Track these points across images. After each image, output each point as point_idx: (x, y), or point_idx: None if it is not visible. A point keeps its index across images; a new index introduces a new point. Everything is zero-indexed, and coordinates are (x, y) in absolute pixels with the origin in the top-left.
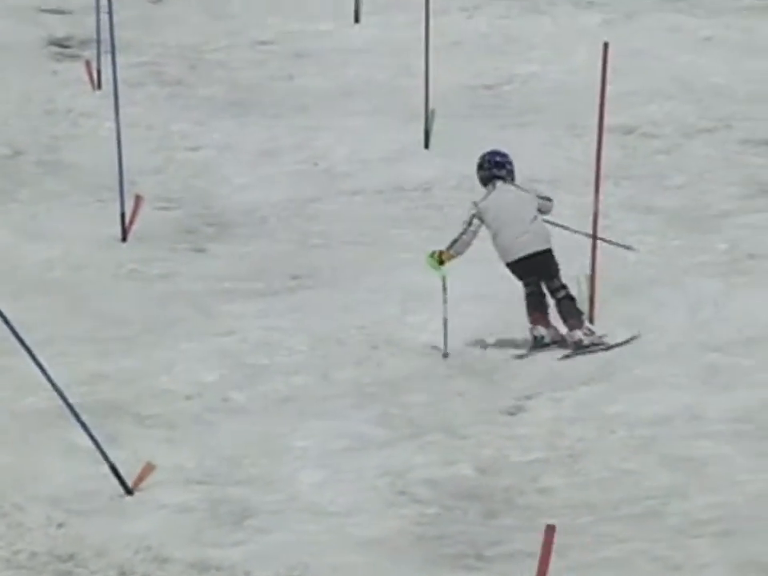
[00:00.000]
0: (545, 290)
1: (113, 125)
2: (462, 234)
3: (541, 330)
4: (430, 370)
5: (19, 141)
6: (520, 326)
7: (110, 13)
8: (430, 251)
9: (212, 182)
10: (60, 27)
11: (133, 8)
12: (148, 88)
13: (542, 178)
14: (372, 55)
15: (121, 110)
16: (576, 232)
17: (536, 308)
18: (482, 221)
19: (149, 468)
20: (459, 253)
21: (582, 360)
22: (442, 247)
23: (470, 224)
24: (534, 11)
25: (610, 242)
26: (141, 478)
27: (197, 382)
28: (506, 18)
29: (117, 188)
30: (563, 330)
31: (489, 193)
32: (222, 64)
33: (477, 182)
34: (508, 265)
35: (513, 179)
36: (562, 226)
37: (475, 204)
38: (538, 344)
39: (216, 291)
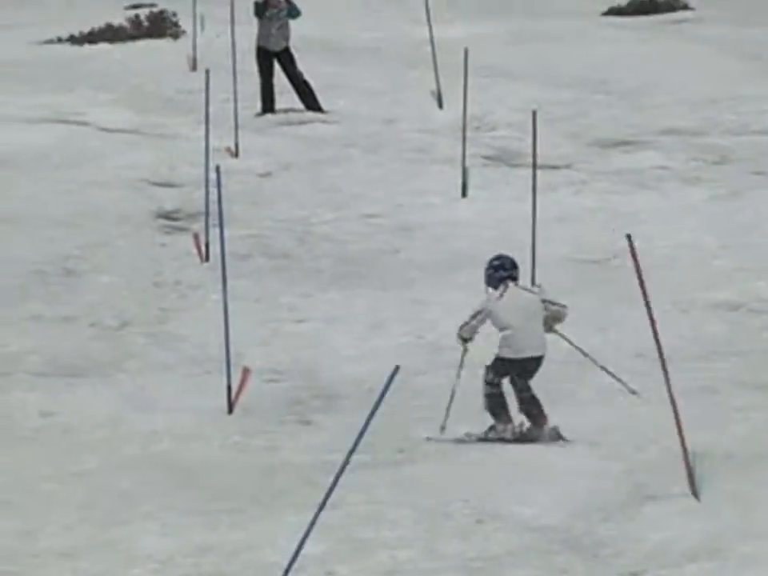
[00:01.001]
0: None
1: (219, 297)
2: (467, 324)
3: (509, 426)
4: (535, 545)
5: (127, 312)
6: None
7: (219, 187)
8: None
9: (319, 354)
10: (169, 200)
11: (241, 182)
12: (255, 260)
13: (647, 353)
14: (478, 229)
15: (228, 283)
16: (578, 348)
17: (500, 404)
18: (489, 317)
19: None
20: (469, 339)
21: (687, 534)
22: None
23: (473, 318)
24: (642, 186)
25: (612, 375)
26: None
27: (301, 554)
28: (613, 193)
29: (223, 360)
30: (526, 424)
31: (501, 295)
32: (328, 237)
33: (581, 355)
34: (508, 359)
35: (517, 277)
36: (566, 339)
37: (484, 307)
38: (492, 434)
39: (322, 463)
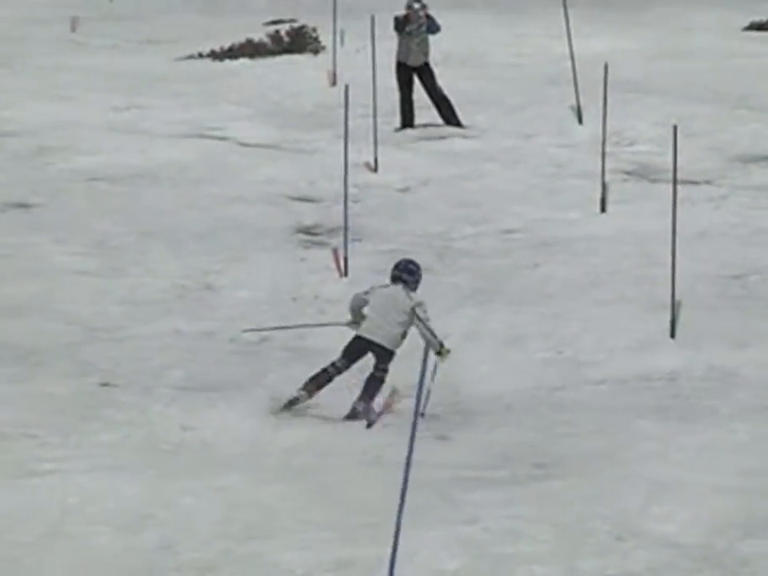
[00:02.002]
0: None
1: None
2: (357, 296)
3: (303, 395)
4: (675, 562)
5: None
6: None
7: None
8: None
9: (458, 369)
10: (309, 215)
11: (380, 196)
12: None
13: None
14: (618, 244)
15: None
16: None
17: (317, 380)
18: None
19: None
20: (352, 308)
21: None
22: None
23: (361, 294)
24: None
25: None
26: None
27: (439, 570)
28: (754, 208)
29: (360, 375)
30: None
31: (388, 285)
32: (467, 252)
33: (723, 373)
34: (352, 337)
35: (415, 288)
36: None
37: (372, 287)
38: (290, 403)
39: (460, 479)
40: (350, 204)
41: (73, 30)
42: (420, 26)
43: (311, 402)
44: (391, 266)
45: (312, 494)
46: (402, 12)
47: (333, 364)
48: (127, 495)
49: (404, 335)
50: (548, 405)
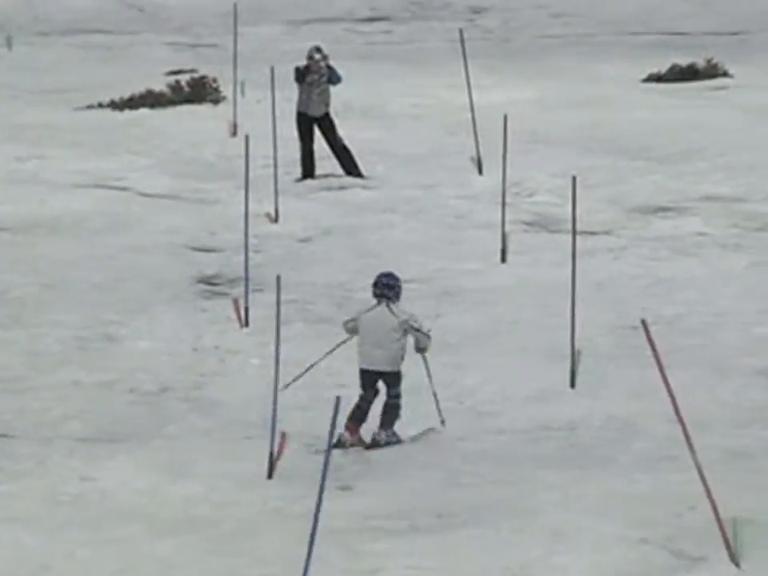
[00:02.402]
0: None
1: (259, 362)
2: (346, 324)
3: (345, 435)
4: None
5: (167, 377)
6: None
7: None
8: None
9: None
10: (209, 265)
11: (281, 246)
12: (296, 325)
13: (686, 419)
14: (518, 294)
15: (268, 347)
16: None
17: (354, 418)
18: (356, 328)
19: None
20: (349, 331)
21: None
22: None
23: (348, 322)
24: (682, 253)
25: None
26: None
27: None
28: (652, 259)
29: (263, 425)
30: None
31: (373, 308)
32: (368, 302)
33: (622, 422)
34: (360, 370)
35: (398, 299)
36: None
37: (358, 313)
38: (336, 446)
39: (362, 529)
40: (250, 254)
41: None
42: (321, 76)
43: (353, 438)
44: (301, 315)
45: (210, 545)
46: (302, 62)
47: (362, 398)
48: (26, 546)
49: (403, 349)
50: (450, 454)
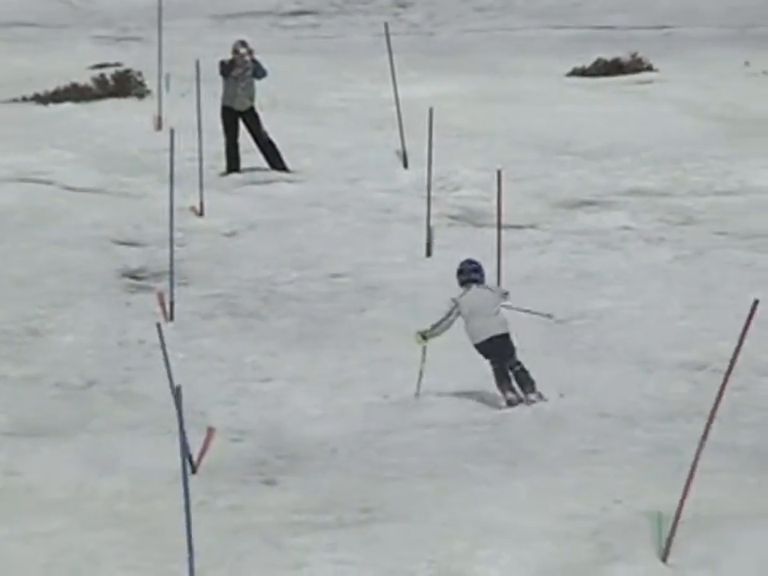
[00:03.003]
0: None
1: (185, 356)
2: (443, 320)
3: (511, 395)
4: None
5: (92, 371)
6: None
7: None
8: (418, 332)
9: (284, 413)
10: (134, 259)
11: (207, 241)
12: (220, 320)
13: (612, 413)
14: (443, 288)
15: (193, 341)
16: (535, 313)
17: (501, 379)
18: (458, 313)
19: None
20: (437, 335)
21: None
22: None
23: (449, 314)
24: (607, 246)
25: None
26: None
27: None
28: (578, 253)
29: (189, 420)
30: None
31: (465, 292)
32: (294, 296)
33: (549, 416)
34: (476, 346)
35: (483, 281)
36: (522, 310)
37: (454, 300)
38: (509, 404)
39: (286, 524)
40: (175, 248)
41: None
42: (246, 70)
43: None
44: (225, 309)
45: (137, 539)
46: (228, 56)
47: (495, 363)
48: None
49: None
50: (375, 448)
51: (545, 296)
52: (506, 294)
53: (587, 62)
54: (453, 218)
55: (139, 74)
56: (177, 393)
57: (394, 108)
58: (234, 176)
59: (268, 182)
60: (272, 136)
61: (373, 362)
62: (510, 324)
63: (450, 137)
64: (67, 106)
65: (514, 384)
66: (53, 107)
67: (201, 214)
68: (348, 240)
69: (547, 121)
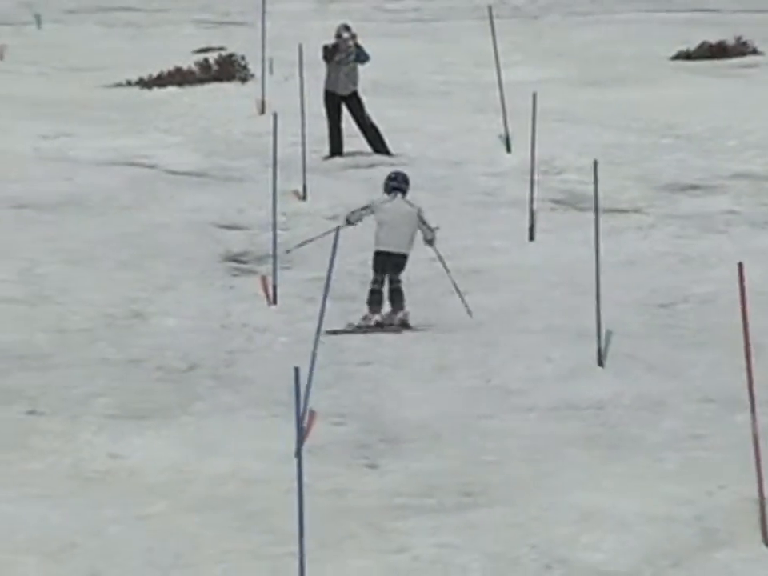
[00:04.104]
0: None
1: (287, 339)
2: (358, 211)
3: (369, 315)
4: None
5: (195, 355)
6: None
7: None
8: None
9: (385, 397)
10: (237, 243)
11: (309, 224)
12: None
13: (716, 397)
14: (546, 273)
15: (295, 325)
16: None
17: (374, 302)
18: (372, 212)
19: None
20: (351, 223)
21: None
22: None
23: (363, 209)
24: (711, 231)
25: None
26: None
27: None
28: (681, 237)
29: (290, 403)
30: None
31: (390, 200)
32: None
33: (651, 401)
34: (374, 252)
35: (406, 195)
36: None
37: (372, 202)
38: (362, 324)
39: (388, 507)
40: (278, 232)
41: (0, 57)
42: (349, 54)
43: (379, 316)
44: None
45: (237, 522)
46: (331, 41)
47: (375, 282)
48: (53, 524)
49: (413, 238)
50: (476, 433)
51: (648, 280)
52: (430, 229)
53: (692, 46)
54: (556, 201)
55: (242, 58)
56: (296, 375)
57: (497, 92)
58: (337, 160)
59: (371, 165)
60: (375, 120)
61: (474, 345)
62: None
63: (552, 121)
64: (170, 90)
65: (384, 310)
66: (156, 91)
67: (303, 197)
68: (450, 224)
69: (650, 104)
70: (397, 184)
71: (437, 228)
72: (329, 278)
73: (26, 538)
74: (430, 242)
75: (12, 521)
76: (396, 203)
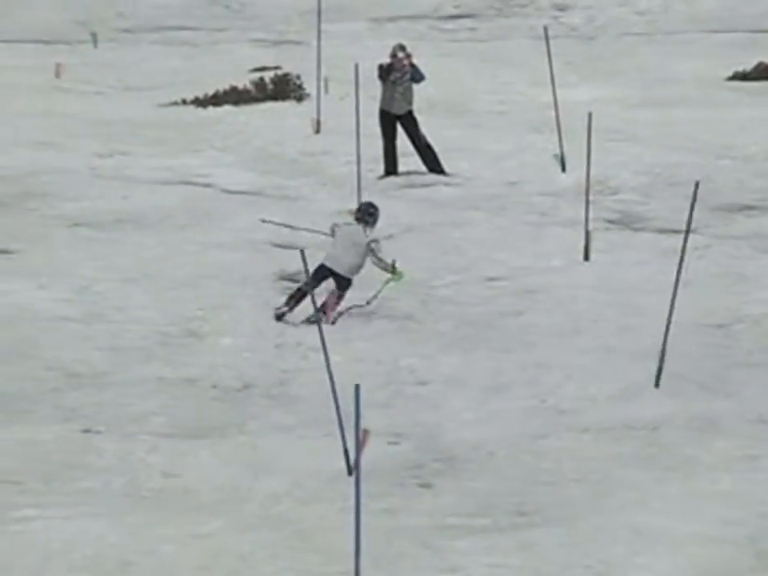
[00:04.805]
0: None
1: (341, 359)
2: (331, 229)
3: (284, 309)
4: None
5: (249, 374)
6: None
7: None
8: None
9: (440, 416)
10: (291, 262)
11: None
12: (377, 322)
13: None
14: (601, 293)
15: (350, 344)
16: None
17: (294, 298)
18: (332, 234)
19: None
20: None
21: None
22: None
23: (331, 232)
24: (766, 251)
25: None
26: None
27: None
28: (736, 257)
29: (346, 422)
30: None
31: (351, 224)
32: (450, 300)
33: (705, 422)
34: (320, 263)
35: (373, 226)
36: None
37: (335, 224)
38: (278, 318)
39: (442, 527)
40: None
41: (57, 76)
42: (404, 74)
43: (290, 313)
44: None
45: (293, 541)
46: (386, 60)
47: (306, 284)
48: (109, 542)
49: (361, 266)
50: (530, 453)
51: (702, 300)
52: (373, 244)
53: (748, 66)
54: (610, 222)
55: (298, 77)
56: (356, 392)
57: (552, 111)
58: (392, 179)
59: (426, 185)
60: (430, 139)
61: (528, 365)
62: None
63: (608, 140)
64: (226, 108)
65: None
66: (212, 110)
67: None
68: (505, 243)
69: (706, 125)
70: (360, 215)
71: (393, 261)
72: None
73: (81, 557)
74: (382, 269)
75: (67, 539)
76: (352, 230)
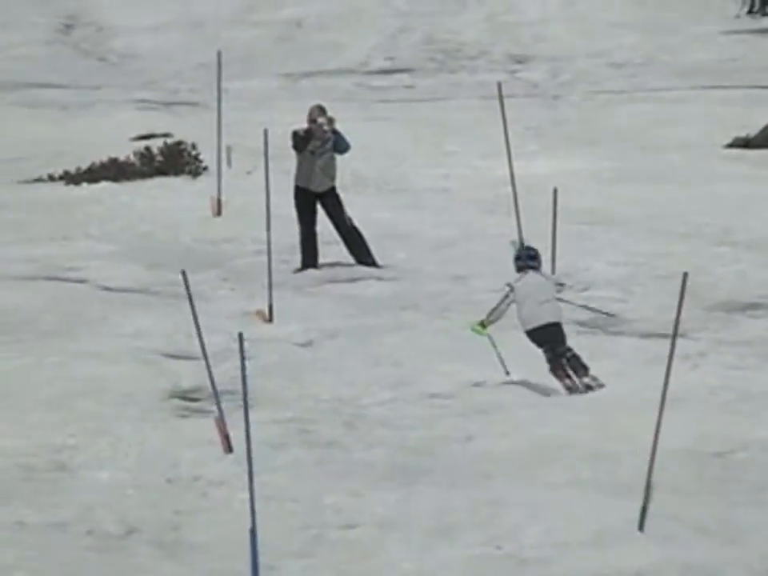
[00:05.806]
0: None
1: (247, 496)
2: (499, 305)
3: (566, 381)
4: None
5: (133, 516)
6: None
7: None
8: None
9: (372, 568)
10: (186, 376)
11: (277, 352)
12: (293, 450)
13: None
14: (571, 412)
15: (259, 478)
16: (592, 309)
17: (556, 366)
18: (513, 299)
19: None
20: (494, 321)
21: None
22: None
23: (505, 299)
24: None
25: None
26: None
27: None
28: (739, 368)
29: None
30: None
31: (521, 277)
32: (384, 422)
33: (702, 572)
34: (527, 332)
35: (539, 269)
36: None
37: (510, 285)
38: (568, 390)
39: None
40: (237, 362)
41: None
42: (325, 142)
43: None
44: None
45: None
46: (303, 126)
47: (554, 353)
48: None
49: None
50: None
51: (697, 422)
52: (561, 285)
53: (751, 130)
54: (581, 324)
55: (193, 146)
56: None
57: (508, 188)
58: (311, 272)
59: (352, 279)
60: (357, 223)
61: (481, 503)
62: (563, 313)
63: (578, 223)
64: (104, 186)
65: (569, 371)
66: (86, 188)
67: (270, 319)
68: (452, 353)
69: (700, 204)
70: (523, 263)
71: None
72: None
73: None
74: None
75: None
76: (533, 277)
